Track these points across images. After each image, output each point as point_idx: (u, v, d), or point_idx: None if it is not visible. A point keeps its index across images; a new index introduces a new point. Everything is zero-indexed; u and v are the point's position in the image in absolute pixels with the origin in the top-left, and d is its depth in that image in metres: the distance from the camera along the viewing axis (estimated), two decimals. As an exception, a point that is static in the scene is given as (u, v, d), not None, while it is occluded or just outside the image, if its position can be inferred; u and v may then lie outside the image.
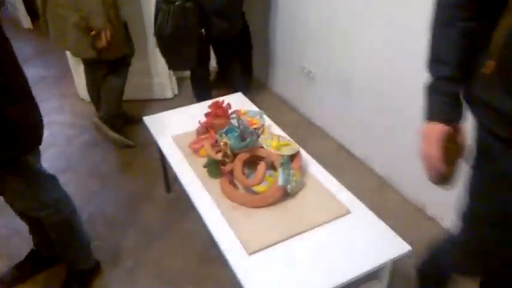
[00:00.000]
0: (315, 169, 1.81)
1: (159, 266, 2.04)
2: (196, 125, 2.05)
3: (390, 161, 2.45)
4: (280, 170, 1.58)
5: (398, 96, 2.23)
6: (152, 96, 3.48)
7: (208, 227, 1.54)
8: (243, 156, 1.67)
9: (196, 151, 1.89)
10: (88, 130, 3.08)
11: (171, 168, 1.89)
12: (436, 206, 2.21)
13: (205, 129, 1.97)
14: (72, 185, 2.55)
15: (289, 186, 1.59)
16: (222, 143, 1.72)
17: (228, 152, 1.69)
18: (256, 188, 1.62)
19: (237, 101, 2.31)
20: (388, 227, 1.52)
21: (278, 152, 1.67)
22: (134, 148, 2.88)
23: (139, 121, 3.14)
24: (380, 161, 2.54)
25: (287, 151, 1.69)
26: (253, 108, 2.27)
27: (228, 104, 2.02)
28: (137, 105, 3.38)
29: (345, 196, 1.66)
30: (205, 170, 1.76)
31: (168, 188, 2.49)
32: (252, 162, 1.74)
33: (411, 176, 2.32)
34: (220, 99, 2.10)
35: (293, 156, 1.70)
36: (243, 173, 1.68)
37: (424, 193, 2.27)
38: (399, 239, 1.47)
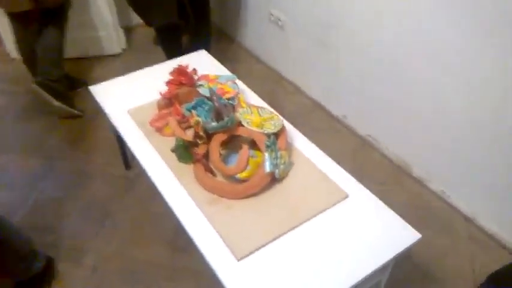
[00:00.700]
0: (298, 139, 1.55)
1: (126, 260, 1.79)
2: (155, 95, 1.72)
3: (371, 119, 2.25)
4: (266, 154, 1.32)
5: (381, 45, 1.98)
6: (98, 52, 3.04)
7: (185, 227, 1.28)
8: (220, 137, 1.39)
9: (159, 129, 1.57)
10: (24, 98, 2.63)
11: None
12: (423, 167, 2.06)
13: (168, 101, 1.64)
14: (11, 169, 2.18)
15: (277, 171, 1.34)
16: (192, 122, 1.42)
17: (201, 132, 1.40)
18: (239, 175, 1.36)
19: (201, 62, 1.97)
20: (393, 212, 1.33)
21: (261, 131, 1.40)
22: (82, 118, 2.50)
23: (86, 84, 2.75)
24: (360, 119, 2.33)
25: (271, 128, 1.42)
26: (222, 69, 1.95)
27: (194, 70, 1.69)
28: (82, 64, 2.94)
29: (339, 174, 1.44)
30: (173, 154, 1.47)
31: (127, 164, 2.17)
32: (229, 142, 1.46)
33: (395, 135, 2.14)
34: (182, 61, 1.75)
35: (278, 132, 1.44)
36: (220, 156, 1.40)
37: (409, 152, 2.11)
38: (407, 226, 1.29)
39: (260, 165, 1.34)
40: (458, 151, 1.86)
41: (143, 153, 1.52)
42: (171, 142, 1.51)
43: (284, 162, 1.37)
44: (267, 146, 1.33)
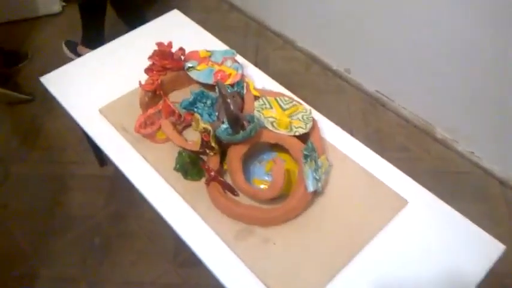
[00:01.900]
0: (321, 123, 1.23)
1: (129, 286, 1.49)
2: (130, 83, 1.32)
3: (382, 73, 1.94)
4: (306, 168, 1.00)
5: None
6: (32, 13, 2.48)
7: (217, 276, 0.98)
8: (240, 150, 1.04)
9: (150, 136, 1.20)
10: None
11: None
12: (447, 126, 1.81)
13: (152, 94, 1.25)
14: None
15: (319, 185, 1.03)
16: (197, 129, 1.06)
17: (213, 143, 1.05)
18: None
19: (177, 29, 1.54)
20: (464, 218, 1.08)
21: (292, 133, 1.06)
22: (33, 102, 2.03)
23: (27, 57, 2.23)
24: (366, 72, 2.01)
25: (302, 126, 1.09)
26: (208, 37, 1.53)
27: (181, 49, 1.28)
28: (14, 31, 2.39)
29: (385, 171, 1.16)
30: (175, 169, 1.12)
31: (101, 160, 1.78)
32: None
33: (409, 89, 1.85)
34: (153, 30, 1.33)
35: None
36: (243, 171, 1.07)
37: (429, 110, 1.84)
38: (485, 235, 1.05)
39: (297, 178, 1.03)
40: (485, 104, 1.61)
41: (135, 172, 1.15)
42: (168, 151, 1.17)
43: (325, 171, 1.07)
44: (306, 157, 1.00)
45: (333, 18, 1.97)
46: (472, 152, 1.76)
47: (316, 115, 1.25)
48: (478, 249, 1.02)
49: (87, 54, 1.49)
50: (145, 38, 1.52)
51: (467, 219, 1.07)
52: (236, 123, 1.01)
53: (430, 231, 1.04)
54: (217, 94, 1.16)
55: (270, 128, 1.06)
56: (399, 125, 1.93)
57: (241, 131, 1.00)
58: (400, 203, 1.08)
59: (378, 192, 1.10)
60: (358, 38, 1.93)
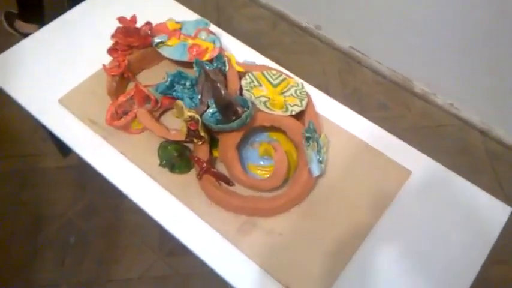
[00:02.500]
0: (314, 97, 1.13)
1: (111, 283, 1.39)
2: (92, 66, 1.15)
3: (355, 28, 1.84)
4: (308, 151, 0.91)
5: None
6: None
7: (226, 278, 0.90)
8: (234, 138, 0.93)
9: (125, 128, 1.06)
10: None
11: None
12: (424, 79, 1.77)
13: (120, 78, 1.09)
14: None
15: (322, 166, 0.96)
16: (184, 118, 0.93)
17: (202, 132, 0.93)
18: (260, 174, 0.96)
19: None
20: (469, 183, 1.04)
21: (288, 113, 0.96)
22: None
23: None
24: (341, 29, 1.91)
25: (297, 103, 0.99)
26: (176, 7, 1.35)
27: (148, 24, 1.11)
28: None
29: (383, 140, 1.09)
30: (157, 162, 1.00)
31: (63, 151, 1.61)
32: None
33: (383, 42, 1.78)
34: (95, 6, 1.15)
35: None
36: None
37: (405, 64, 1.79)
38: (493, 199, 1.02)
39: (300, 161, 0.94)
40: (462, 55, 1.57)
41: (114, 171, 1.02)
42: (146, 142, 1.04)
43: (326, 151, 0.99)
44: (308, 139, 0.91)
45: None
46: (452, 104, 1.74)
47: (305, 86, 1.15)
48: (486, 215, 0.99)
49: (35, 34, 1.28)
50: (100, 10, 1.32)
51: (472, 184, 1.04)
52: (229, 109, 0.89)
53: (437, 200, 1.01)
54: (197, 73, 1.03)
55: (263, 109, 0.95)
56: (377, 82, 1.87)
57: (233, 118, 0.89)
58: (404, 174, 1.03)
59: (380, 165, 1.04)
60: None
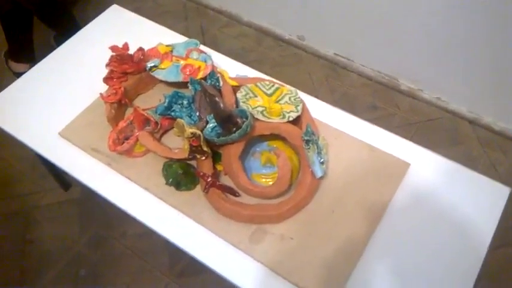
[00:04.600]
0: (308, 102, 1.16)
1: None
2: (88, 97, 1.18)
3: (332, 33, 1.90)
4: (310, 153, 0.94)
5: None
6: None
7: (238, 285, 0.91)
8: (237, 148, 0.96)
9: (128, 152, 1.08)
10: None
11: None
12: (409, 76, 1.82)
13: (117, 105, 1.11)
14: None
15: (324, 167, 0.98)
16: (186, 136, 0.95)
17: (204, 147, 0.95)
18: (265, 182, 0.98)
19: (123, 24, 1.40)
20: (466, 168, 1.08)
21: (285, 120, 0.99)
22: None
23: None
24: (320, 35, 1.96)
25: (294, 109, 1.02)
26: (165, 32, 1.39)
27: (141, 50, 1.14)
28: None
29: (379, 136, 1.13)
30: (163, 182, 1.02)
31: (64, 184, 1.62)
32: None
33: (366, 46, 1.83)
34: (95, 27, 1.18)
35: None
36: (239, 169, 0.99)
37: (389, 63, 1.84)
38: (490, 180, 1.05)
39: (301, 165, 0.97)
40: (443, 48, 1.63)
41: (121, 197, 1.04)
42: (150, 164, 1.06)
43: (326, 152, 1.01)
44: (307, 142, 0.94)
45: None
46: (439, 98, 1.79)
47: (299, 93, 1.19)
48: (486, 197, 1.03)
49: (27, 73, 1.30)
50: (89, 42, 1.36)
51: (468, 169, 1.07)
52: (228, 121, 0.92)
53: (438, 189, 1.03)
54: (193, 91, 1.06)
55: (261, 118, 0.98)
56: (364, 84, 1.91)
57: (234, 129, 0.92)
58: (403, 167, 1.06)
59: (379, 161, 1.07)
60: (306, 0, 1.86)
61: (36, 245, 1.51)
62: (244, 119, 0.92)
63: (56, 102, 1.22)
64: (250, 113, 0.94)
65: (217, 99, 0.91)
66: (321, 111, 1.17)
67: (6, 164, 1.71)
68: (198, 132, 0.93)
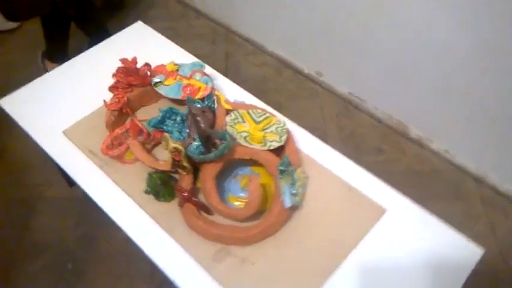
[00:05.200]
0: (296, 134, 1.20)
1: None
2: (94, 102, 1.26)
3: (354, 74, 1.93)
4: (281, 183, 0.97)
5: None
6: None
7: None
8: (213, 168, 1.00)
9: (119, 157, 1.15)
10: None
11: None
12: (420, 124, 1.82)
13: (117, 112, 1.19)
14: None
15: (297, 199, 1.01)
16: (169, 149, 1.01)
17: (184, 163, 1.00)
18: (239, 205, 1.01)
19: (143, 40, 1.50)
20: (441, 222, 1.07)
21: (266, 147, 1.03)
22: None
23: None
24: (338, 74, 2.00)
25: (277, 139, 1.06)
26: (179, 52, 1.48)
27: (147, 65, 1.23)
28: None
29: (362, 178, 1.14)
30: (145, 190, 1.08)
31: (70, 181, 1.70)
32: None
33: (381, 89, 1.85)
34: (118, 39, 1.28)
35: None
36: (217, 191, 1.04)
37: (402, 109, 1.85)
38: (464, 239, 1.04)
39: (274, 194, 1.00)
40: (458, 102, 1.62)
41: (105, 198, 1.10)
42: (138, 172, 1.12)
43: (302, 184, 1.04)
44: (282, 172, 0.97)
45: (300, 21, 1.95)
46: (447, 150, 1.78)
47: (291, 125, 1.22)
48: (458, 254, 1.01)
49: (48, 73, 1.42)
50: (109, 53, 1.46)
51: (445, 224, 1.06)
52: (207, 141, 0.97)
53: (409, 239, 1.03)
54: (188, 110, 1.12)
55: (243, 143, 1.03)
56: (373, 126, 1.93)
57: (213, 150, 0.96)
58: (378, 211, 1.07)
59: (356, 202, 1.09)
60: (328, 40, 1.91)
61: (33, 233, 1.59)
62: (223, 141, 0.96)
63: (67, 103, 1.32)
64: (230, 136, 0.99)
65: (198, 118, 0.97)
66: (311, 146, 1.20)
67: (20, 155, 1.82)
68: (180, 147, 0.99)
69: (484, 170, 1.70)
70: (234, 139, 1.02)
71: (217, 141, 0.96)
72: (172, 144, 1.00)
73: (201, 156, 0.97)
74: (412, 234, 1.04)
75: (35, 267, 1.51)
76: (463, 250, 1.02)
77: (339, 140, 1.86)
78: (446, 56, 1.55)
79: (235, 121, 1.09)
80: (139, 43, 1.49)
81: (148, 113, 1.26)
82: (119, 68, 1.18)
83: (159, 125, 1.12)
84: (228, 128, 1.06)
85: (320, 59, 2.02)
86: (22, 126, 1.27)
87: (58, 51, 2.04)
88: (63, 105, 1.31)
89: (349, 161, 1.18)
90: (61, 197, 1.70)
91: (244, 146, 1.03)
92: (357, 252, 1.00)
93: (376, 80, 1.85)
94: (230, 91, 1.32)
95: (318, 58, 2.03)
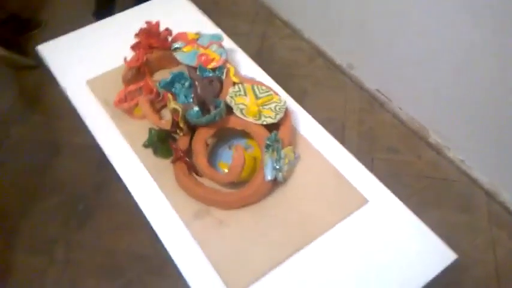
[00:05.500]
0: (302, 120, 1.24)
1: (102, 251, 1.55)
2: (120, 59, 1.35)
3: (381, 69, 1.92)
4: (266, 157, 1.02)
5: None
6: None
7: (168, 250, 1.02)
8: (205, 132, 1.07)
9: (128, 111, 1.24)
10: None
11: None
12: (441, 131, 1.78)
13: (135, 71, 1.28)
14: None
15: (280, 175, 1.05)
16: (170, 109, 1.09)
17: (181, 124, 1.07)
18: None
19: (173, 9, 1.57)
20: (421, 222, 1.07)
21: (259, 122, 1.08)
22: (39, 69, 2.10)
23: (40, 25, 2.31)
24: (368, 69, 1.99)
25: (272, 116, 1.10)
26: (202, 20, 1.55)
27: (167, 30, 1.30)
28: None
29: (354, 169, 1.16)
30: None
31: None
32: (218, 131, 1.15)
33: (409, 90, 1.83)
34: (150, 10, 1.36)
35: (280, 120, 1.12)
36: (207, 148, 1.11)
37: (425, 113, 1.82)
38: (440, 243, 1.04)
39: (259, 166, 1.05)
40: (482, 115, 1.57)
41: (110, 146, 1.20)
42: (144, 127, 1.20)
43: (289, 162, 1.08)
44: (268, 146, 1.02)
45: (342, 12, 1.95)
46: (463, 160, 1.73)
47: (295, 107, 1.26)
48: (429, 255, 1.02)
49: (85, 27, 1.53)
50: (143, 15, 1.55)
51: (424, 225, 1.07)
52: (203, 106, 1.03)
53: (384, 232, 1.05)
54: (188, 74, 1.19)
55: (239, 114, 1.08)
56: (394, 126, 1.91)
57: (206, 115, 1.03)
58: (360, 201, 1.09)
59: (340, 189, 1.11)
60: (364, 35, 1.90)
61: (55, 173, 1.75)
62: (217, 109, 1.02)
63: (96, 56, 1.42)
64: (225, 105, 1.05)
65: (196, 83, 1.03)
66: (310, 129, 1.23)
67: (57, 101, 1.98)
68: (179, 108, 1.06)
69: (498, 186, 1.65)
70: (229, 109, 1.07)
71: (211, 107, 1.02)
72: (173, 105, 1.07)
73: (195, 119, 1.03)
74: (387, 228, 1.05)
75: (51, 203, 1.66)
76: (435, 252, 1.02)
77: (355, 133, 1.86)
78: (477, 67, 1.51)
79: (237, 93, 1.14)
80: (173, 11, 1.56)
81: (165, 76, 1.34)
82: (142, 29, 1.26)
83: (168, 86, 1.19)
84: (228, 99, 1.11)
85: (354, 52, 2.01)
86: (53, 71, 1.39)
87: (105, 11, 2.17)
88: (92, 57, 1.42)
89: (344, 150, 1.20)
90: (86, 144, 1.83)
91: (239, 117, 1.08)
92: (330, 234, 1.04)
93: (406, 81, 1.83)
94: (245, 66, 1.37)
95: (351, 50, 2.02)
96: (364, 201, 1.09)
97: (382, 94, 1.96)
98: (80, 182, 1.73)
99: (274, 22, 2.36)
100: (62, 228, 1.60)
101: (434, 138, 1.81)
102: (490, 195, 1.68)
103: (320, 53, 2.18)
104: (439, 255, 1.02)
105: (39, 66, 2.10)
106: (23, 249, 1.55)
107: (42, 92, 2.02)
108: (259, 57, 2.06)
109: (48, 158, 1.79)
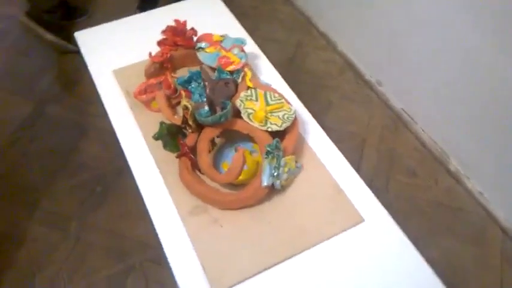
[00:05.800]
0: (312, 132, 1.25)
1: (111, 234, 1.62)
2: (146, 53, 1.41)
3: (411, 92, 1.89)
4: (265, 163, 1.04)
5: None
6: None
7: (162, 243, 1.06)
8: (210, 133, 1.10)
9: (146, 104, 1.29)
10: (14, 31, 2.34)
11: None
12: (463, 159, 1.73)
13: (158, 66, 1.33)
14: (-3, 111, 1.98)
15: (278, 182, 1.07)
16: (181, 105, 1.13)
17: (190, 121, 1.11)
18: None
19: (206, 10, 1.62)
20: (414, 249, 1.05)
21: (264, 128, 1.10)
22: (80, 54, 2.21)
23: (86, 13, 2.43)
24: (397, 87, 1.97)
25: (278, 123, 1.12)
26: (233, 23, 1.58)
27: (192, 29, 1.35)
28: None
29: (356, 187, 1.15)
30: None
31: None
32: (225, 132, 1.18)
33: (434, 113, 1.79)
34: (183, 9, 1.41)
35: (287, 129, 1.14)
36: (213, 149, 1.14)
37: (448, 139, 1.77)
38: (435, 279, 1.02)
39: (257, 169, 1.07)
40: (509, 148, 1.52)
41: (125, 134, 1.26)
42: (160, 120, 1.25)
43: (288, 170, 1.09)
44: (268, 153, 1.04)
45: (378, 29, 1.94)
46: (481, 193, 1.68)
47: (307, 117, 1.28)
48: (418, 284, 1.00)
49: (122, 19, 1.61)
50: (175, 12, 1.60)
51: (419, 254, 1.05)
52: (211, 106, 1.06)
53: (375, 254, 1.04)
54: (215, 78, 1.22)
55: (245, 118, 1.11)
56: (415, 148, 1.87)
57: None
58: (356, 219, 1.09)
59: (338, 204, 1.11)
60: (397, 53, 1.88)
61: (79, 154, 1.84)
62: (224, 110, 1.05)
63: (125, 48, 1.49)
64: (232, 108, 1.07)
65: (206, 83, 1.06)
66: (318, 141, 1.24)
67: (88, 86, 2.07)
68: (189, 106, 1.10)
69: (516, 224, 1.59)
70: (236, 112, 1.10)
71: (218, 108, 1.05)
72: (184, 102, 1.11)
73: (202, 118, 1.07)
74: (379, 250, 1.05)
75: (71, 182, 1.75)
76: (426, 283, 1.00)
77: (374, 151, 1.84)
78: (507, 97, 1.46)
79: (248, 97, 1.16)
80: (207, 11, 1.61)
81: (186, 74, 1.38)
82: (168, 26, 1.32)
83: (185, 84, 1.23)
84: (237, 102, 1.14)
85: (384, 69, 1.99)
86: (85, 58, 1.47)
87: (148, 7, 2.25)
88: (121, 49, 1.49)
89: (348, 166, 1.20)
90: (110, 130, 1.91)
91: (245, 121, 1.10)
92: (320, 247, 1.04)
93: (433, 104, 1.79)
94: (266, 73, 1.39)
95: (382, 67, 2.00)
96: (360, 219, 1.09)
97: (408, 114, 1.93)
98: (101, 165, 1.81)
99: (311, 32, 2.37)
100: (78, 207, 1.68)
101: (454, 165, 1.76)
102: (506, 232, 1.61)
103: (351, 67, 2.17)
104: (424, 278, 1.00)
105: (80, 53, 2.22)
106: (40, 222, 1.64)
107: (78, 77, 2.13)
108: (291, 65, 2.07)
109: (75, 140, 1.88)
